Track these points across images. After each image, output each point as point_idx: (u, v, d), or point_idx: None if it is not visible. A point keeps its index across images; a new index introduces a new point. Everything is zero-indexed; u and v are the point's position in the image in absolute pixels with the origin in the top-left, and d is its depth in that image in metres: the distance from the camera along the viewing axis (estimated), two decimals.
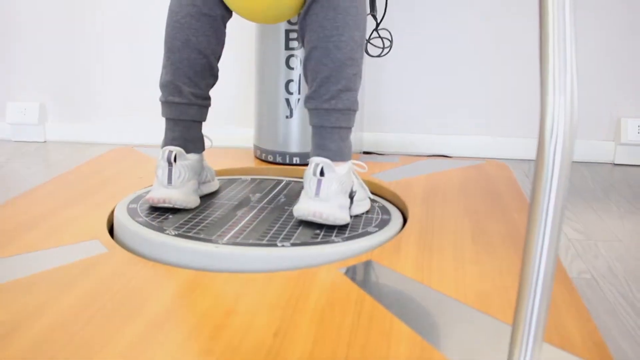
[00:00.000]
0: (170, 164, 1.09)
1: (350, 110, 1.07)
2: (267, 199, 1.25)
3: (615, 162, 2.01)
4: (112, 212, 1.17)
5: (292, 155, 1.59)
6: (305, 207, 1.03)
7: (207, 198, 1.24)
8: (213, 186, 1.29)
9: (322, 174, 1.01)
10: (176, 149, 1.11)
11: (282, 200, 1.24)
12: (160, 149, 1.14)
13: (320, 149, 1.06)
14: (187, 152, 1.14)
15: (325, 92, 1.05)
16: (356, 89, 1.08)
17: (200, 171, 1.19)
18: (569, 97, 0.51)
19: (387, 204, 1.24)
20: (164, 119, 1.17)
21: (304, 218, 1.04)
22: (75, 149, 2.17)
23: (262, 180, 1.41)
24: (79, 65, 2.24)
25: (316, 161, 1.03)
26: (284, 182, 1.39)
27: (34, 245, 0.98)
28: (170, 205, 1.11)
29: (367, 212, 1.17)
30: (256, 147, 1.67)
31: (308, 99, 1.08)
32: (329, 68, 1.04)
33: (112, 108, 2.26)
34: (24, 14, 2.23)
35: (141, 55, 2.19)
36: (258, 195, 1.28)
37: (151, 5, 2.15)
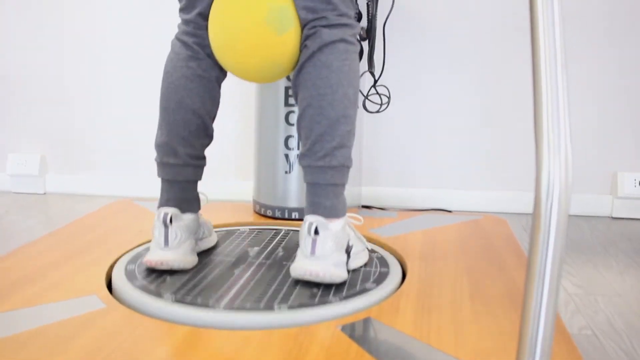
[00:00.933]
0: (166, 225, 1.09)
1: (344, 166, 1.08)
2: (265, 252, 1.25)
3: (613, 216, 2.02)
4: (111, 266, 1.16)
5: (290, 210, 1.60)
6: (301, 267, 1.03)
7: (204, 254, 1.24)
8: (211, 241, 1.29)
9: (316, 232, 1.01)
10: (172, 211, 1.11)
11: (280, 254, 1.24)
12: (157, 208, 1.14)
13: (315, 206, 1.07)
14: (183, 212, 1.14)
15: (319, 149, 1.05)
16: (350, 145, 1.09)
17: (196, 230, 1.19)
18: (563, 159, 0.52)
19: (385, 253, 1.24)
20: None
21: (300, 278, 1.03)
22: (75, 201, 2.17)
23: (260, 231, 1.41)
24: (80, 117, 2.27)
25: (310, 220, 1.03)
26: (282, 232, 1.39)
27: (31, 300, 0.98)
28: (168, 268, 1.10)
29: (365, 264, 1.16)
30: (255, 202, 1.68)
31: (302, 156, 1.08)
32: (323, 125, 1.04)
33: (113, 160, 2.27)
34: (27, 66, 2.28)
35: (142, 108, 2.22)
36: (256, 249, 1.28)
37: (151, 59, 2.19)
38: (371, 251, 1.24)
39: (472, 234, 1.46)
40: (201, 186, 2.12)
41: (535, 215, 0.52)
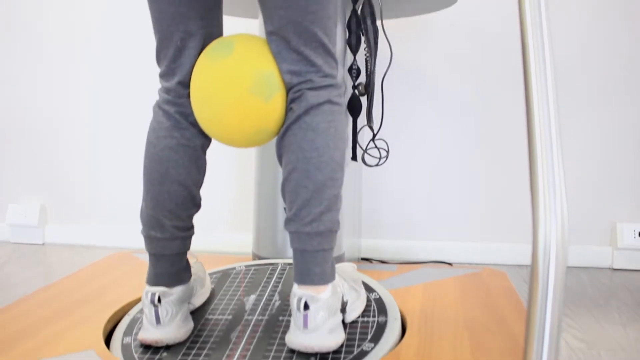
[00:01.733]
0: (155, 305, 1.07)
1: (332, 231, 1.05)
2: (262, 303, 1.23)
3: (614, 267, 2.01)
4: (108, 321, 1.16)
5: (289, 265, 1.59)
6: (295, 340, 1.01)
7: (199, 313, 1.21)
8: (204, 294, 1.27)
9: (306, 307, 1.00)
10: (159, 290, 1.08)
11: (277, 304, 1.23)
12: (145, 283, 1.11)
13: (304, 275, 1.04)
14: (173, 286, 1.11)
15: (306, 214, 1.02)
16: (337, 209, 1.06)
17: (189, 296, 1.17)
18: (559, 217, 0.53)
19: (381, 291, 1.22)
20: None
21: (296, 349, 1.02)
22: (74, 252, 2.17)
23: (256, 271, 1.39)
24: (80, 168, 2.29)
25: (298, 295, 1.01)
26: (278, 269, 1.38)
27: (30, 355, 0.97)
28: (163, 345, 1.08)
29: (363, 312, 1.15)
30: (254, 255, 1.68)
31: (288, 222, 1.05)
32: (310, 190, 1.02)
33: (113, 211, 2.28)
34: (27, 119, 2.31)
35: (140, 158, 2.24)
36: (252, 297, 1.26)
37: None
38: (368, 290, 1.23)
39: (473, 287, 1.45)
40: (198, 237, 2.12)
41: (532, 273, 0.52)
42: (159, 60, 1.11)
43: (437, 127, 2.08)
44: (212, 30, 1.11)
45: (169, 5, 1.04)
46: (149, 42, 2.21)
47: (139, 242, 2.24)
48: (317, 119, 1.03)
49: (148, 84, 2.23)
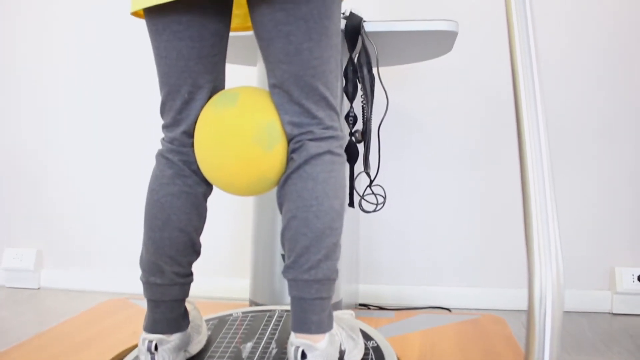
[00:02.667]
0: (151, 353, 1.06)
1: (330, 279, 1.05)
2: (259, 351, 1.22)
3: (613, 312, 2.00)
4: None
5: (287, 311, 1.58)
6: None
7: None
8: (200, 342, 1.25)
9: (303, 356, 0.99)
10: (156, 337, 1.08)
11: (274, 352, 1.21)
12: (142, 329, 1.11)
13: (301, 323, 1.04)
14: (170, 333, 1.11)
15: (304, 262, 1.03)
16: (336, 257, 1.07)
17: (186, 343, 1.16)
18: (554, 266, 0.53)
19: (379, 339, 1.21)
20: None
21: None
22: (69, 297, 2.15)
23: (253, 318, 1.38)
24: (78, 213, 2.29)
25: (296, 344, 1.01)
26: (275, 316, 1.36)
27: None
28: None
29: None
30: (251, 301, 1.67)
31: (287, 269, 1.06)
32: (309, 238, 1.03)
33: (108, 257, 2.27)
34: (23, 162, 2.32)
35: (139, 207, 2.24)
36: (249, 345, 1.25)
37: (150, 158, 2.24)
38: (366, 338, 1.22)
39: (471, 334, 1.44)
40: (195, 283, 2.11)
41: (529, 321, 0.52)
42: (163, 112, 1.14)
43: (434, 172, 2.09)
44: (218, 84, 1.14)
45: (178, 60, 1.08)
46: (147, 89, 2.24)
47: (135, 287, 2.22)
48: (317, 169, 1.05)
49: (145, 131, 2.25)
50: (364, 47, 1.46)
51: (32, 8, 2.31)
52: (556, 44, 2.03)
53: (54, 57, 2.30)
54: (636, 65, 2.00)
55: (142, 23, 2.24)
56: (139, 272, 2.23)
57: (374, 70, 1.50)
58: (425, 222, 2.10)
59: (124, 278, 2.24)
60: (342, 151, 1.11)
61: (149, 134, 2.25)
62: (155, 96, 2.21)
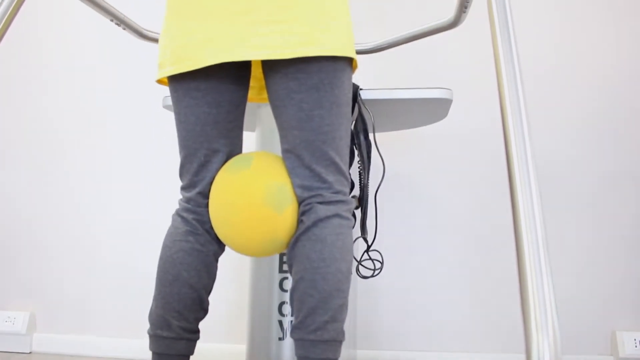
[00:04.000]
0: None
1: (336, 341, 1.06)
2: None
3: None
4: None
5: None
6: None
7: None
8: None
9: None
10: None
11: None
12: None
13: None
14: None
15: (311, 322, 1.05)
16: (342, 319, 1.08)
17: None
18: (551, 335, 0.52)
19: None
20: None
21: None
22: None
23: None
24: (72, 277, 2.27)
25: None
26: None
27: None
28: None
29: None
30: None
31: (294, 329, 1.08)
32: (316, 299, 1.05)
33: (103, 322, 2.23)
34: (16, 224, 2.31)
35: (135, 270, 2.23)
36: None
37: (148, 221, 2.24)
38: None
39: None
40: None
41: None
42: (182, 174, 1.19)
43: (431, 237, 2.09)
44: (233, 148, 1.19)
45: (196, 125, 1.13)
46: (144, 170, 2.26)
47: (131, 353, 2.18)
48: (325, 231, 1.08)
49: (138, 194, 2.26)
50: (360, 114, 1.48)
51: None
52: (543, 101, 2.07)
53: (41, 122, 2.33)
54: (636, 120, 2.03)
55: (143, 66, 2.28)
56: (134, 337, 2.19)
57: (370, 136, 1.52)
58: (423, 287, 2.08)
59: (119, 343, 2.20)
60: (350, 215, 1.14)
61: (142, 194, 2.25)
62: (158, 174, 2.23)
